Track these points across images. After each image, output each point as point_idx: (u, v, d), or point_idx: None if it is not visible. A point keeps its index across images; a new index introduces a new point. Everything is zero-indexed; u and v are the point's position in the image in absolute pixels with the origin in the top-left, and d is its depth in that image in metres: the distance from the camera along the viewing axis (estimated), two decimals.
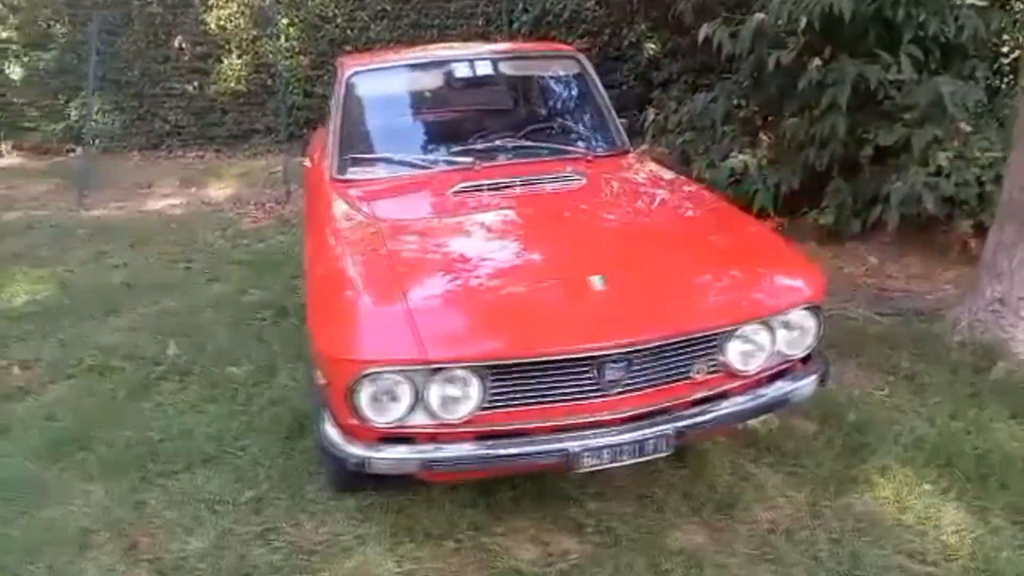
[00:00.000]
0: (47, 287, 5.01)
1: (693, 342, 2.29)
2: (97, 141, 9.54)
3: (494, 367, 2.15)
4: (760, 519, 2.58)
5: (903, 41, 4.91)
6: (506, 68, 3.75)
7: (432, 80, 3.68)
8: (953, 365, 3.44)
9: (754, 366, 2.39)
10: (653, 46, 8.61)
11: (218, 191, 7.83)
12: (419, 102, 3.65)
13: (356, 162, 3.31)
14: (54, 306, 4.66)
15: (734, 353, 2.35)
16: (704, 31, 5.23)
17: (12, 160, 9.80)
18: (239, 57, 9.13)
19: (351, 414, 2.15)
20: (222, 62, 9.16)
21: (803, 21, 4.79)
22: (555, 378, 2.19)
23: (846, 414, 3.12)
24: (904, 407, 3.18)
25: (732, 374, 2.38)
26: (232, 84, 9.14)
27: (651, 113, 6.26)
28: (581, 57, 3.74)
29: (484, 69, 3.67)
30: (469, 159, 3.18)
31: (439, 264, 2.49)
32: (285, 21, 9.00)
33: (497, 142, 3.28)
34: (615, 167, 3.32)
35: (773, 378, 2.49)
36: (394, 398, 2.15)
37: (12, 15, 9.49)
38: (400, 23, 8.97)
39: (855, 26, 5.05)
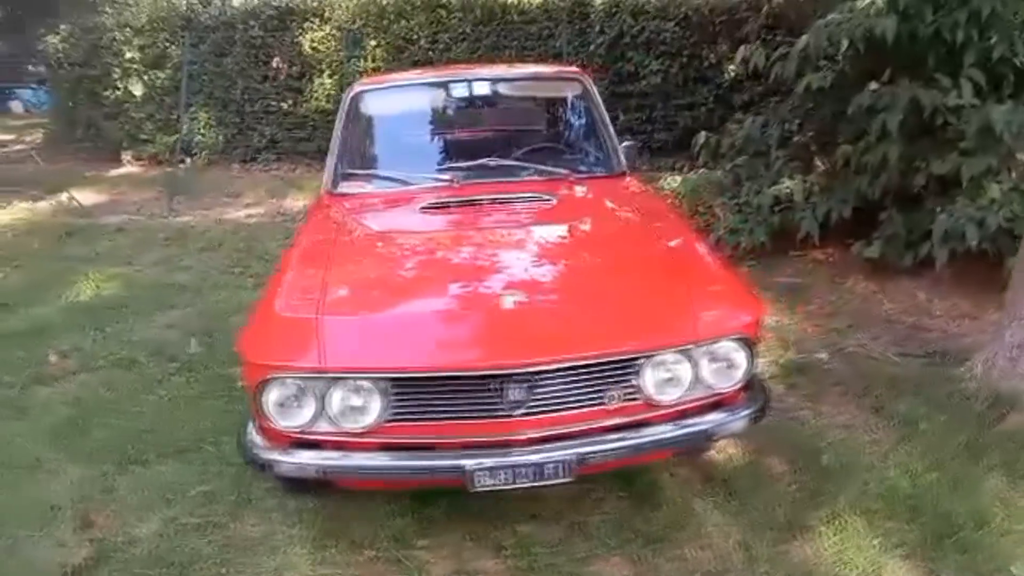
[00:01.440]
0: (113, 285, 5.46)
1: (602, 367, 2.24)
2: (204, 153, 10.30)
3: (395, 380, 2.20)
4: (688, 559, 2.48)
5: (964, 64, 4.60)
6: (505, 89, 3.80)
7: (431, 100, 3.78)
8: (960, 413, 3.17)
9: (673, 397, 2.31)
10: (734, 68, 8.41)
11: (295, 202, 8.27)
12: (415, 121, 3.76)
13: (349, 177, 3.45)
14: (112, 303, 5.07)
15: (651, 382, 2.28)
16: (741, 53, 5.08)
17: (130, 169, 10.71)
18: (329, 77, 9.61)
19: (261, 416, 2.26)
20: (314, 81, 9.67)
21: (844, 43, 4.56)
22: (457, 395, 2.21)
23: (821, 456, 2.95)
24: (888, 454, 2.97)
25: (650, 403, 2.31)
26: (322, 102, 9.62)
27: (702, 136, 6.10)
28: (585, 79, 3.74)
29: (482, 90, 3.73)
30: (451, 176, 3.24)
31: (370, 277, 2.57)
32: (373, 43, 9.41)
33: (483, 160, 3.32)
34: (598, 190, 3.30)
35: (703, 410, 2.40)
36: (299, 404, 2.23)
37: (136, 37, 10.40)
38: (480, 44, 9.17)
39: (915, 48, 4.78)
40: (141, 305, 4.97)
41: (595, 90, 3.73)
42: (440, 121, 3.74)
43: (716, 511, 2.69)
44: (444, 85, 3.77)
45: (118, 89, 10.62)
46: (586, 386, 2.26)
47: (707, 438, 2.36)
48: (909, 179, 4.84)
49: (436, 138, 3.69)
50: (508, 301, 2.29)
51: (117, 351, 4.18)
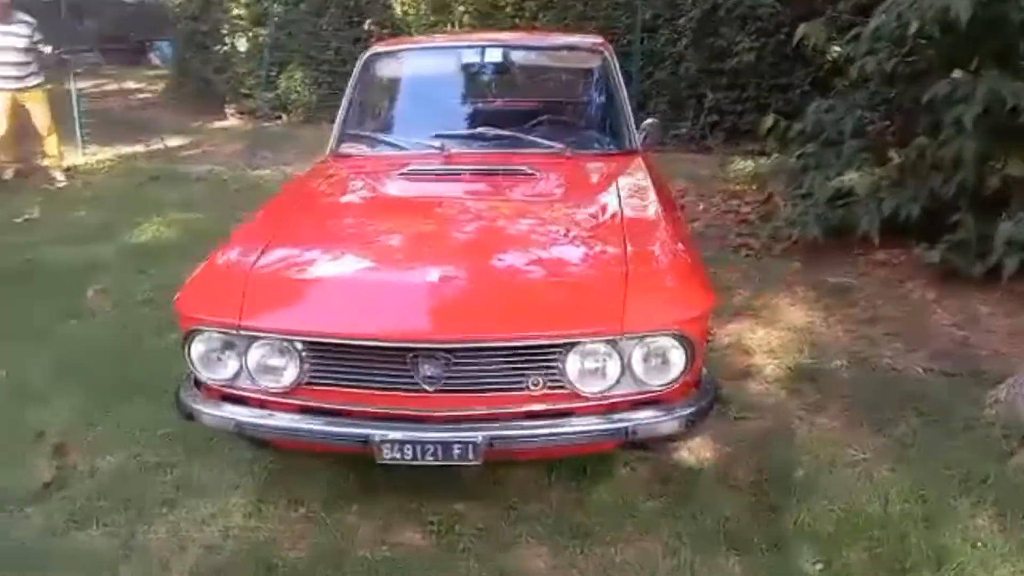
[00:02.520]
0: (172, 229, 5.75)
1: (522, 351, 2.15)
2: (300, 110, 10.64)
3: (310, 344, 2.19)
4: (611, 558, 2.37)
5: None
6: (519, 58, 3.68)
7: (442, 66, 3.71)
8: (969, 442, 2.87)
9: (597, 389, 2.19)
10: (838, 48, 7.85)
11: None
12: (423, 86, 3.71)
13: (352, 138, 3.46)
14: (165, 245, 5.35)
15: (573, 371, 2.17)
16: (801, 30, 4.71)
17: (232, 122, 11.21)
18: None
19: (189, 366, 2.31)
20: None
21: (914, 25, 4.14)
22: (372, 365, 2.18)
23: (794, 472, 2.74)
24: (871, 476, 2.71)
25: (575, 394, 2.20)
26: None
27: (770, 119, 5.72)
28: (607, 51, 3.56)
29: (495, 58, 3.62)
30: (442, 144, 3.19)
31: (316, 239, 2.56)
32: (461, 8, 9.38)
33: (480, 130, 3.24)
34: (594, 167, 3.15)
35: (634, 407, 2.26)
36: (221, 359, 2.26)
37: None
38: (567, 13, 8.97)
39: (1006, 34, 4.29)
40: (188, 251, 5.14)
41: (615, 63, 3.54)
42: (447, 88, 3.67)
43: (661, 515, 2.55)
44: (457, 51, 3.69)
45: (225, 45, 11.10)
46: (506, 368, 2.17)
47: (628, 436, 2.22)
48: (985, 180, 4.38)
49: (441, 105, 3.61)
50: (434, 274, 2.23)
51: (149, 292, 4.39)
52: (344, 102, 3.54)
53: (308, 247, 2.50)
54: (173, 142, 9.33)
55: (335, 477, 2.71)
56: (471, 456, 2.16)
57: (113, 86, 14.49)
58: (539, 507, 2.60)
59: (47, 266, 4.94)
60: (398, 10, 9.67)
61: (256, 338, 2.20)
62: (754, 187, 6.53)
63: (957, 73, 4.39)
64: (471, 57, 3.63)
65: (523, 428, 2.19)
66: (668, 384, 2.22)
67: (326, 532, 2.48)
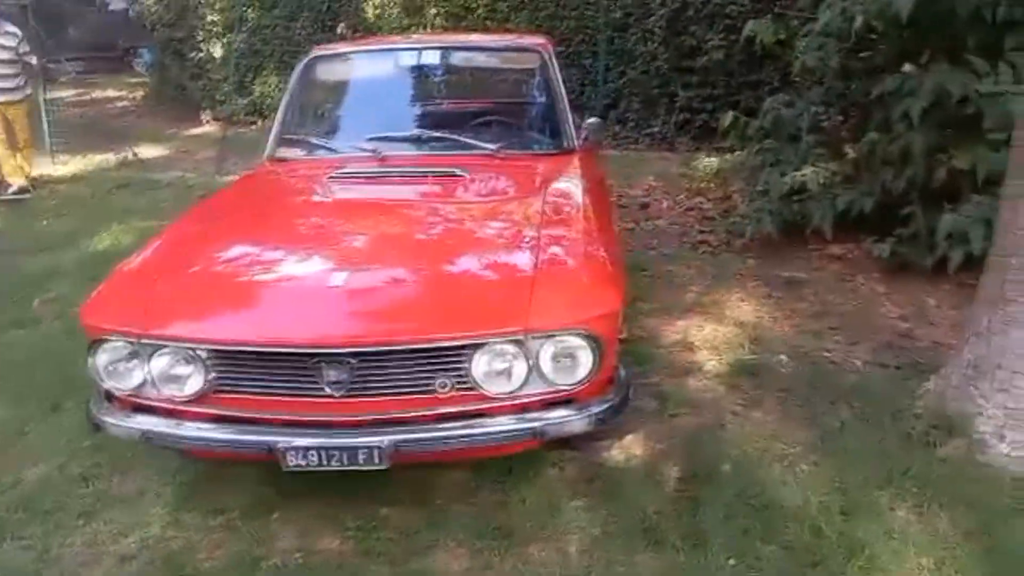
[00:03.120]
0: (131, 237, 5.69)
1: (428, 353, 2.14)
2: (274, 115, 10.62)
3: (214, 352, 2.18)
4: (528, 559, 2.36)
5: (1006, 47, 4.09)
6: (457, 60, 3.67)
7: (379, 69, 3.70)
8: (898, 434, 2.86)
9: (506, 389, 2.19)
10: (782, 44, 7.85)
11: None
12: (360, 89, 3.70)
13: (289, 143, 3.45)
14: (124, 254, 5.26)
15: (481, 372, 2.16)
16: (748, 28, 4.71)
17: (207, 128, 11.17)
18: None
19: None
20: None
21: (859, 20, 4.14)
22: (277, 372, 2.17)
23: (721, 467, 2.74)
24: (796, 470, 2.71)
25: (484, 395, 2.19)
26: None
27: (729, 115, 5.72)
28: (545, 52, 3.55)
29: (432, 60, 3.62)
30: (375, 147, 3.18)
31: (227, 245, 2.55)
32: (433, 11, 9.37)
33: (414, 132, 3.24)
34: (525, 168, 3.14)
35: (546, 407, 2.26)
36: (128, 368, 2.25)
37: (217, 0, 10.80)
38: (538, 15, 8.96)
39: (954, 29, 4.29)
40: None
41: (555, 63, 3.53)
42: (385, 91, 3.66)
43: (584, 513, 2.55)
44: (395, 54, 3.68)
45: (200, 51, 11.08)
46: (413, 371, 2.17)
47: (538, 436, 2.21)
48: (934, 173, 4.38)
49: (378, 108, 3.60)
50: (339, 279, 2.22)
51: None
52: (282, 106, 3.54)
53: (218, 254, 2.49)
54: (147, 150, 9.29)
55: (259, 484, 2.69)
56: (377, 461, 2.15)
57: (95, 94, 14.47)
58: (463, 509, 2.59)
59: (3, 276, 4.92)
60: (370, 13, 9.66)
61: (159, 347, 2.19)
62: (715, 185, 6.53)
63: (908, 67, 4.40)
64: (409, 60, 3.63)
65: (430, 431, 2.18)
66: (577, 383, 2.21)
67: (243, 540, 2.46)
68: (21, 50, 6.68)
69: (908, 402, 3.04)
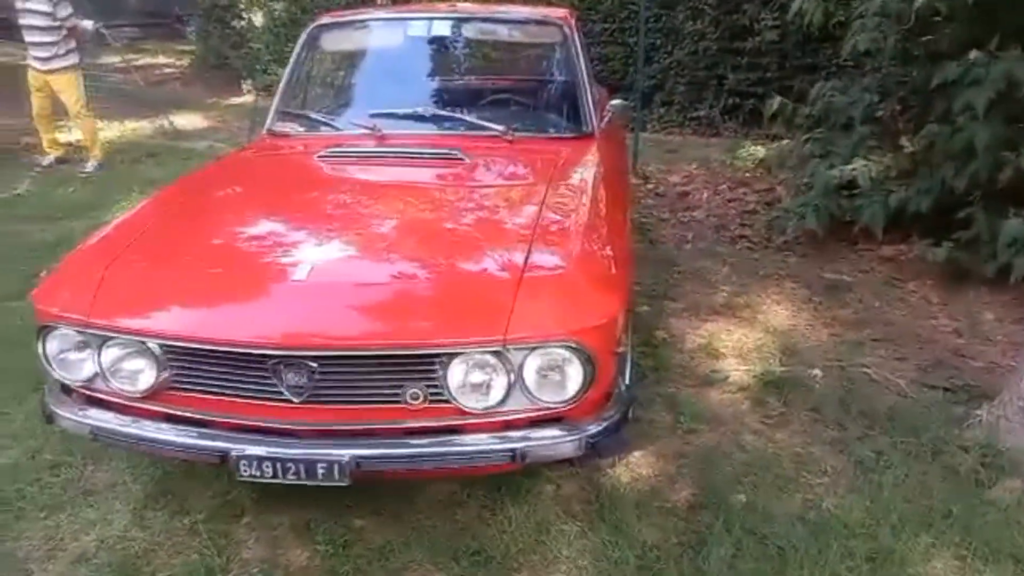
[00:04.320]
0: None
1: (395, 360, 1.91)
2: None
3: (165, 347, 1.98)
4: None
5: None
6: (470, 32, 3.37)
7: (386, 40, 3.44)
8: (942, 468, 2.54)
9: (483, 405, 1.94)
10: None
11: None
12: (364, 62, 3.45)
13: (288, 116, 3.23)
14: None
15: (455, 383, 1.92)
16: (796, 5, 4.32)
17: (246, 98, 11.05)
18: None
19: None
20: None
21: (919, 0, 3.74)
22: (233, 372, 1.96)
23: (734, 496, 2.45)
24: (820, 505, 2.41)
25: (459, 409, 1.95)
26: None
27: (776, 101, 5.33)
28: (567, 27, 3.24)
29: (442, 31, 3.33)
30: (374, 125, 2.93)
31: (193, 229, 2.34)
32: None
33: (415, 110, 2.98)
34: (534, 152, 2.86)
35: (532, 425, 2.01)
36: (78, 358, 2.07)
37: None
38: None
39: None
40: None
41: (578, 40, 3.23)
42: (390, 64, 3.40)
43: (575, 540, 2.30)
44: (404, 23, 3.40)
45: (242, 19, 10.97)
46: (381, 379, 1.93)
47: (517, 459, 1.95)
48: (999, 171, 3.97)
49: (382, 82, 3.35)
50: (303, 272, 1.99)
51: None
52: (284, 77, 3.31)
53: (181, 238, 2.28)
54: (184, 118, 9.23)
55: (231, 484, 2.50)
56: (336, 476, 1.93)
57: (143, 61, 14.51)
58: (444, 526, 2.37)
59: (14, 243, 4.84)
60: None
61: (109, 337, 1.99)
62: (760, 175, 6.15)
63: (974, 54, 3.98)
64: (419, 30, 3.35)
65: (396, 446, 1.95)
66: (566, 401, 1.95)
67: (207, 546, 2.28)
68: (60, 14, 6.30)
69: (956, 432, 2.71)
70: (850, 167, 4.51)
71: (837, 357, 3.37)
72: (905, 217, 4.42)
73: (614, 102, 3.33)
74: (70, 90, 6.62)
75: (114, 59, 10.62)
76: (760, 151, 6.58)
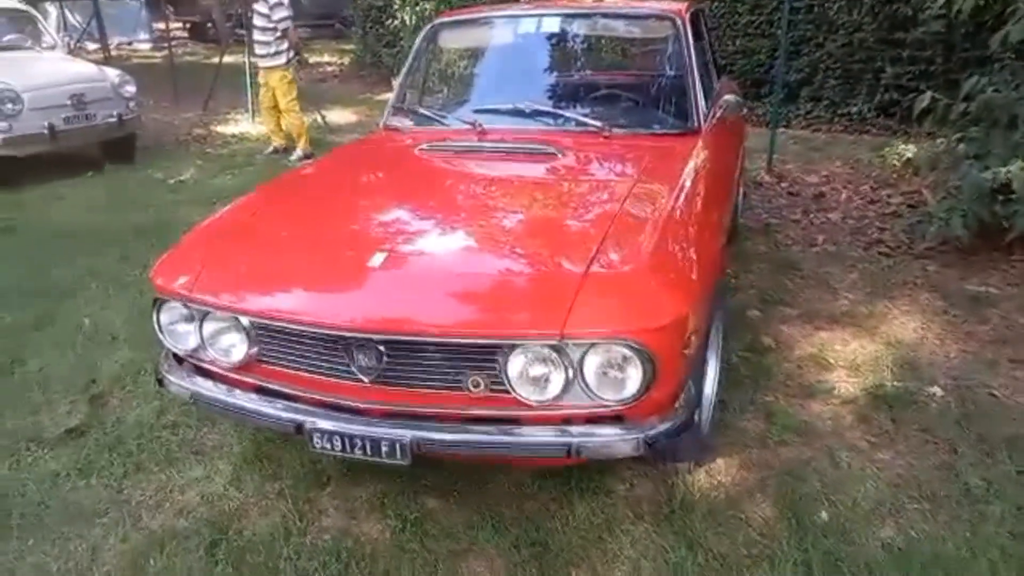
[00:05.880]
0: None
1: (458, 349, 1.96)
2: None
3: (254, 323, 2.14)
4: None
5: None
6: (580, 28, 3.35)
7: (498, 37, 3.48)
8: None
9: (542, 398, 1.95)
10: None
11: None
12: (475, 59, 3.51)
13: (402, 112, 3.37)
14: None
15: (515, 374, 1.95)
16: None
17: None
18: None
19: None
20: None
21: None
22: (311, 350, 2.09)
23: (817, 515, 2.32)
24: (913, 535, 2.23)
25: (518, 400, 1.97)
26: None
27: (926, 97, 4.91)
28: (680, 21, 3.15)
29: (552, 28, 3.34)
30: (475, 120, 3.01)
31: (290, 217, 2.51)
32: None
33: (517, 105, 3.02)
34: (631, 149, 2.82)
35: (591, 421, 2.00)
36: (185, 329, 2.28)
37: None
38: None
39: None
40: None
41: (689, 34, 3.13)
42: (499, 60, 3.45)
43: (638, 543, 2.26)
44: (516, 21, 3.44)
45: (395, 18, 11.46)
46: (443, 366, 1.99)
47: (571, 454, 1.95)
48: None
49: (490, 78, 3.41)
50: (378, 260, 2.08)
51: None
52: (402, 74, 3.46)
53: (280, 223, 2.45)
54: (336, 114, 9.79)
55: (321, 455, 2.66)
56: (399, 456, 2.01)
57: (313, 59, 15.51)
58: (511, 514, 2.40)
59: (169, 223, 5.35)
60: None
61: (208, 312, 2.18)
62: (907, 176, 5.70)
63: None
64: (528, 27, 3.39)
65: (456, 431, 2.00)
66: (625, 401, 1.92)
67: (290, 512, 2.44)
68: (276, 17, 6.97)
69: None
70: (1006, 169, 4.10)
71: (964, 376, 3.09)
72: None
73: (726, 97, 3.22)
74: (280, 85, 7.33)
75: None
76: (911, 150, 6.10)
